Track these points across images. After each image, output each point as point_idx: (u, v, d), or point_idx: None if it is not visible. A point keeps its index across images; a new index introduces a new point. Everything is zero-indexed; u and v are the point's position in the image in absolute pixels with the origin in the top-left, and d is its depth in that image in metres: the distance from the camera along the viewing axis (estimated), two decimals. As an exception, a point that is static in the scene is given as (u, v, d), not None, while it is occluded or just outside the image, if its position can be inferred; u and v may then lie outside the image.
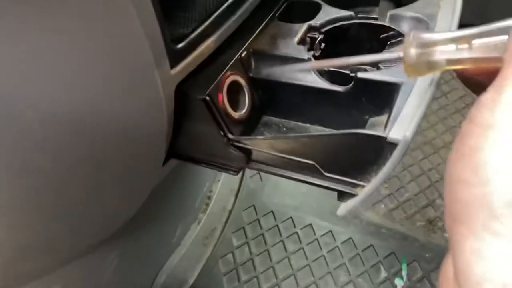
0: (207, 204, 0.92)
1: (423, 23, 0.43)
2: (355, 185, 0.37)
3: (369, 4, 0.57)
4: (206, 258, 0.85)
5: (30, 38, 0.23)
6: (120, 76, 0.29)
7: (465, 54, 0.27)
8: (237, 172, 0.43)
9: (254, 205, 0.95)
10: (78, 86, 0.26)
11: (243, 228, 0.91)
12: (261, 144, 0.39)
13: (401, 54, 0.29)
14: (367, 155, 0.36)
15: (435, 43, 0.28)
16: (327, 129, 0.44)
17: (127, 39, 0.28)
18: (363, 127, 0.41)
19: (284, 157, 0.38)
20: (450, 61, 0.28)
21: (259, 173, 1.01)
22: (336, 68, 0.42)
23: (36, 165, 0.25)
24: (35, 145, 0.25)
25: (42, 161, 0.26)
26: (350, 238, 0.87)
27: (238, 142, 0.40)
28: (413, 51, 0.28)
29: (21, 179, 0.26)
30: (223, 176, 0.98)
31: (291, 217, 0.92)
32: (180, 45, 0.35)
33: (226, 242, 0.89)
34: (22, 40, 0.23)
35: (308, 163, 0.38)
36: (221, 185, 0.97)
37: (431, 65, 0.28)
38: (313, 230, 0.89)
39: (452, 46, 0.27)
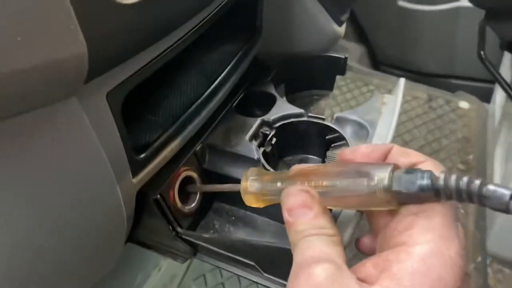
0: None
1: (364, 129, 0.47)
2: (290, 288, 0.40)
3: (324, 88, 0.62)
4: (163, 308, 0.87)
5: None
6: (85, 195, 0.32)
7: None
8: (184, 261, 0.45)
9: (216, 252, 0.97)
10: (52, 209, 0.29)
11: (204, 275, 0.93)
12: (206, 240, 0.42)
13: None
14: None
15: (264, 182, 0.35)
16: (272, 222, 0.47)
17: (89, 162, 0.31)
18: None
19: (227, 255, 0.41)
20: (273, 199, 0.35)
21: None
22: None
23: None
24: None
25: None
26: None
27: (186, 235, 0.42)
28: (247, 188, 0.36)
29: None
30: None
31: (251, 266, 0.94)
32: (142, 155, 0.37)
33: (186, 290, 0.90)
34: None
35: (249, 263, 0.41)
36: (185, 229, 0.98)
37: (264, 199, 0.36)
38: (272, 280, 0.92)
39: (274, 185, 0.34)
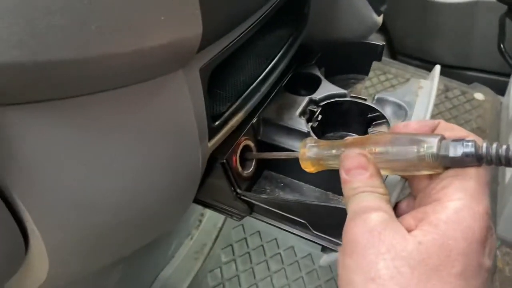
0: (200, 221, 1.01)
1: (403, 110, 0.53)
2: (336, 244, 0.46)
3: (361, 73, 0.67)
4: (196, 271, 0.94)
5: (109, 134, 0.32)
6: (171, 153, 0.37)
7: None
8: (240, 219, 0.52)
9: (242, 224, 1.04)
10: (152, 159, 0.35)
11: (231, 245, 1.00)
12: (263, 200, 0.48)
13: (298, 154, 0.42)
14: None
15: (320, 149, 0.40)
16: (317, 189, 0.53)
17: (184, 124, 0.37)
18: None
19: (281, 214, 0.47)
20: (328, 164, 0.40)
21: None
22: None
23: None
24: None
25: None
26: (327, 262, 0.97)
27: (245, 196, 0.49)
28: (305, 153, 0.41)
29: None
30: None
31: (275, 239, 1.01)
32: (217, 123, 0.43)
33: (215, 258, 0.97)
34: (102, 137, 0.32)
35: (301, 221, 0.47)
36: (213, 203, 1.05)
37: (319, 164, 0.41)
38: (295, 252, 0.99)
39: (330, 151, 0.38)
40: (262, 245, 1.00)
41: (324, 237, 0.46)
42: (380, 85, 1.50)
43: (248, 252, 0.99)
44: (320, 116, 0.54)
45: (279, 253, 0.99)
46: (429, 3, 1.56)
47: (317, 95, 0.55)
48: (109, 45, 0.24)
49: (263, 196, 0.49)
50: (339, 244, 0.47)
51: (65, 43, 0.22)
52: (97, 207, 0.34)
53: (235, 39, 0.40)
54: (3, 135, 0.26)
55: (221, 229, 1.02)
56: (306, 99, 0.54)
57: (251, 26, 0.42)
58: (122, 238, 0.42)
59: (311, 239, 0.47)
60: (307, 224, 0.47)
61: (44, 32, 0.21)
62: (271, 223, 0.50)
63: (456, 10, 1.53)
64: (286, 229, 0.49)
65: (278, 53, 0.53)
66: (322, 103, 0.55)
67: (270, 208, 0.48)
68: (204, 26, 0.31)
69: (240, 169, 0.49)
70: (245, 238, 1.02)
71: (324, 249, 0.48)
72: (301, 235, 0.48)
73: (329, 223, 0.46)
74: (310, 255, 0.98)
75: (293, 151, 0.49)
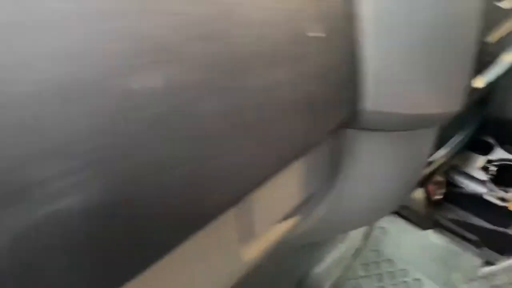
0: (343, 238, 1.23)
1: None
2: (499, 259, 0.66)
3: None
4: (335, 279, 1.16)
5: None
6: (412, 171, 0.62)
7: None
8: (424, 229, 0.74)
9: (378, 250, 1.24)
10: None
11: (368, 264, 1.21)
12: (449, 220, 0.70)
13: None
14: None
15: None
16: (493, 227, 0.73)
17: (418, 158, 0.62)
18: None
19: (461, 234, 0.68)
20: None
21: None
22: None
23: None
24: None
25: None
26: (451, 300, 1.12)
27: (438, 214, 0.71)
28: None
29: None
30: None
31: (405, 269, 1.20)
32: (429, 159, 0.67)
33: (353, 271, 1.19)
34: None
35: (476, 240, 0.67)
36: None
37: None
38: (420, 285, 1.16)
39: None
40: (393, 271, 1.19)
41: (495, 254, 0.66)
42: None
43: (381, 274, 1.18)
44: (493, 172, 0.75)
45: (407, 282, 1.17)
46: None
47: (492, 156, 0.76)
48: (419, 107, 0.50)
49: (449, 216, 0.71)
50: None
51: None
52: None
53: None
54: (355, 145, 0.52)
55: (359, 249, 1.24)
56: (485, 158, 0.76)
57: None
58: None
59: (482, 254, 0.68)
60: (481, 242, 0.67)
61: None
62: (452, 238, 0.71)
63: None
64: (463, 243, 0.69)
65: (473, 125, 0.76)
66: (496, 163, 0.75)
67: (453, 227, 0.69)
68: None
69: (432, 194, 0.72)
70: (378, 262, 1.21)
71: (487, 263, 0.67)
72: (474, 250, 0.68)
73: (501, 245, 0.66)
74: (434, 289, 1.15)
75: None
